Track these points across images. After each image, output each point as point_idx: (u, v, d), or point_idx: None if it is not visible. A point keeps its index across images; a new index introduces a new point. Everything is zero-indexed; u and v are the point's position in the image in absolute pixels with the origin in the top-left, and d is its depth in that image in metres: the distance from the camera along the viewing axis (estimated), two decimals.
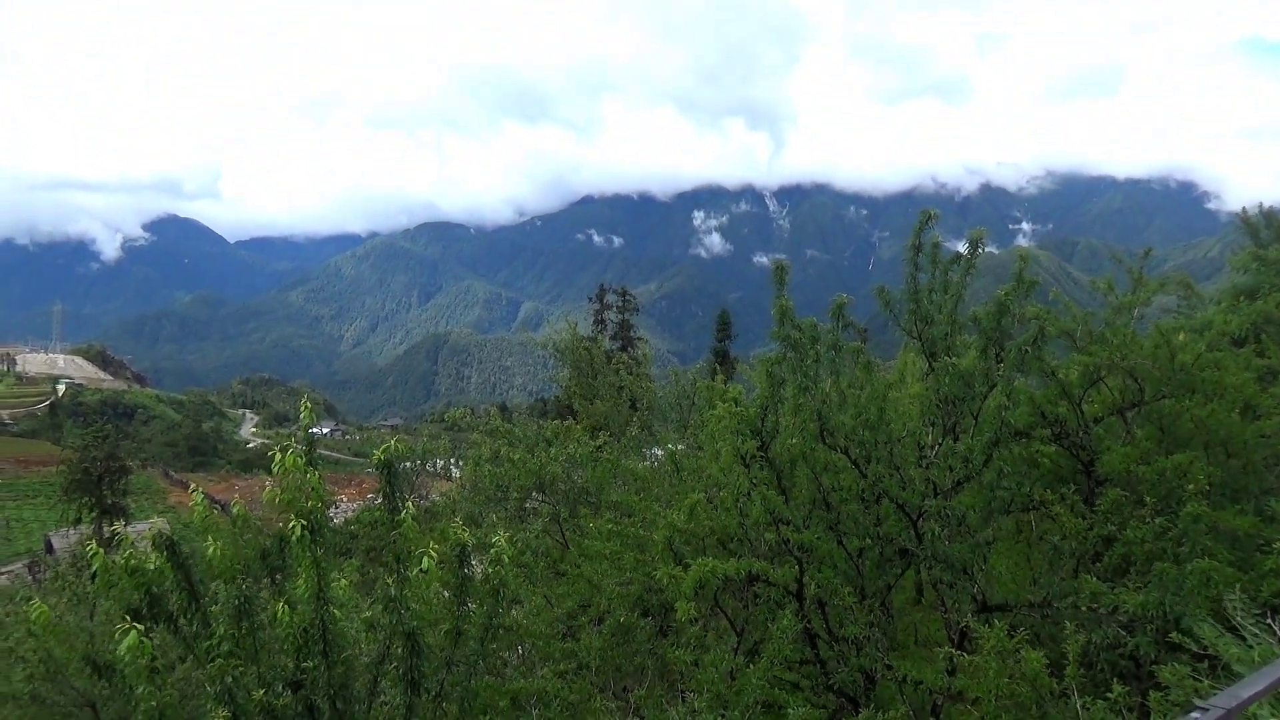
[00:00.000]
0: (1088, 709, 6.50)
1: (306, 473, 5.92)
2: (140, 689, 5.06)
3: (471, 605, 6.11)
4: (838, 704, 9.23)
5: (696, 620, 8.52)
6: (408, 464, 25.56)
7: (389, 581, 5.55)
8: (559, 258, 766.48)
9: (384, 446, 6.00)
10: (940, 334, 9.72)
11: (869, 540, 9.44)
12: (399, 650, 5.68)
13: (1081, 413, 11.48)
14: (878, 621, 9.26)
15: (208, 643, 5.55)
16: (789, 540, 8.56)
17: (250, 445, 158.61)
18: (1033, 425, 11.58)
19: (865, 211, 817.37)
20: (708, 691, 7.14)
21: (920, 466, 9.34)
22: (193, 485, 7.15)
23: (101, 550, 5.75)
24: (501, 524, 13.10)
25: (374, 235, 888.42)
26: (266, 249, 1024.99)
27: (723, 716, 6.99)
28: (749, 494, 8.90)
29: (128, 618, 5.38)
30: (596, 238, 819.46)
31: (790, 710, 6.52)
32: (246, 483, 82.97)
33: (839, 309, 9.26)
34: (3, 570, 50.34)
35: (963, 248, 9.98)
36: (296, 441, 6.45)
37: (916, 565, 10.35)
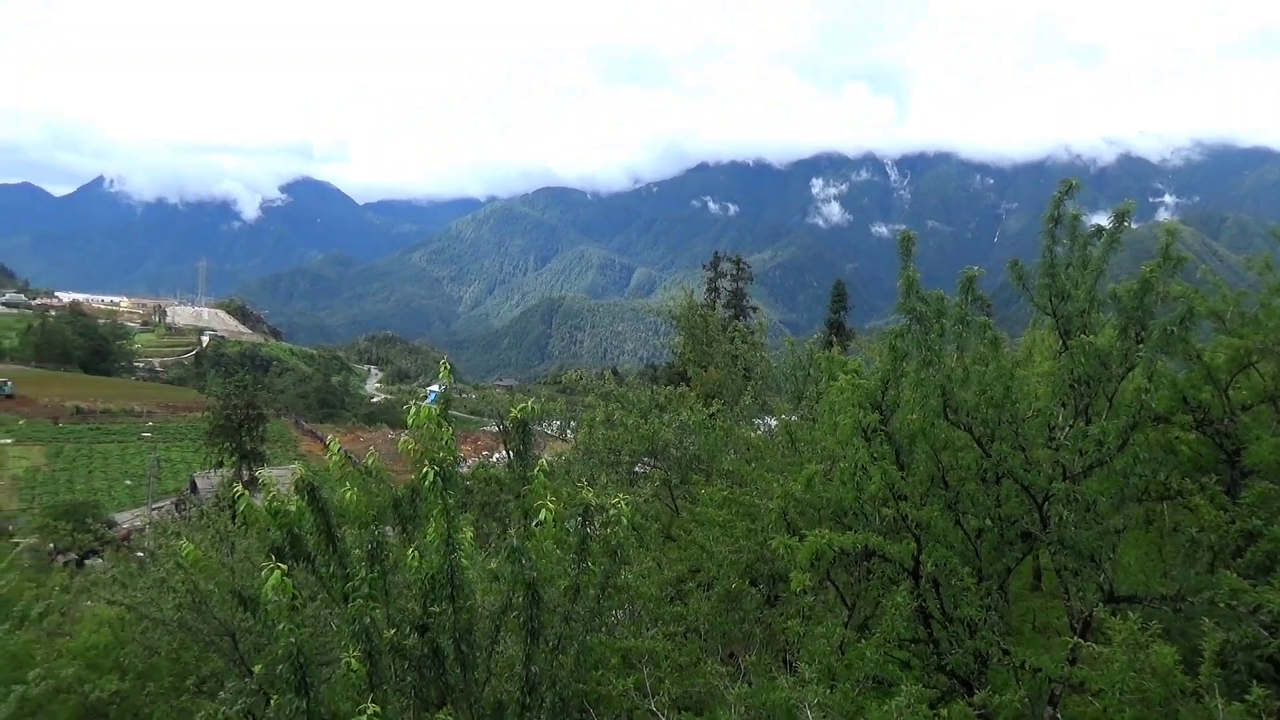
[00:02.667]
0: (1223, 710, 6.19)
1: (441, 426, 6.17)
2: (280, 625, 5.41)
3: (589, 563, 6.29)
4: (949, 685, 9.08)
5: (807, 591, 8.49)
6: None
7: (513, 533, 5.76)
8: (673, 225, 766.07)
9: (520, 406, 6.21)
10: (1076, 310, 9.28)
11: (989, 521, 9.18)
12: (520, 600, 5.90)
13: (1228, 399, 10.80)
14: (995, 604, 9.03)
15: (346, 584, 5.89)
16: (907, 516, 8.41)
17: (375, 400, 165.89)
18: (1173, 410, 10.97)
19: (992, 182, 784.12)
20: (819, 663, 7.13)
21: (1048, 448, 8.99)
22: (330, 435, 7.58)
23: (246, 492, 6.16)
24: (613, 486, 13.33)
25: (493, 200, 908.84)
26: (392, 211, 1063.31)
27: (832, 688, 6.98)
28: (864, 468, 8.78)
29: (271, 556, 5.76)
30: (712, 205, 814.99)
31: (902, 687, 6.44)
32: (370, 435, 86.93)
33: (969, 282, 8.95)
34: (154, 506, 54.49)
35: (1100, 221, 9.48)
36: (424, 397, 6.73)
37: (1038, 550, 10.02)
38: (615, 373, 19.92)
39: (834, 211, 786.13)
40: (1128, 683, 6.66)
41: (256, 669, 10.92)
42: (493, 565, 6.72)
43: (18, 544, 37.10)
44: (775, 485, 9.51)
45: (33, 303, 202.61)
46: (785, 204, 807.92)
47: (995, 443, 9.03)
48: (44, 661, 12.89)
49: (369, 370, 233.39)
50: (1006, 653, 8.56)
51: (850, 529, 8.65)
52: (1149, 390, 8.49)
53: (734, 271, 64.56)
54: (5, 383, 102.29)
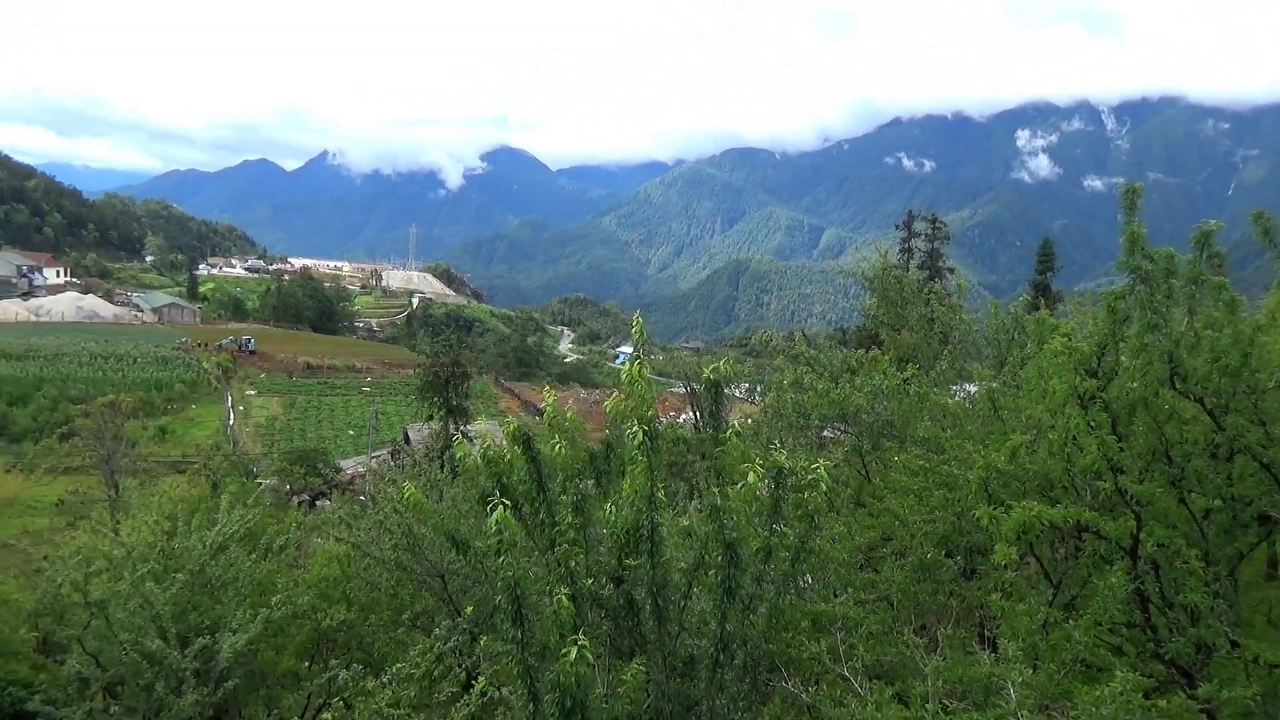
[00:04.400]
0: None
1: (649, 385, 6.33)
2: (500, 560, 5.78)
3: (783, 526, 6.30)
4: (1166, 675, 8.45)
5: (1008, 566, 8.11)
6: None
7: (715, 492, 5.86)
8: (864, 183, 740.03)
9: (712, 368, 6.28)
10: None
11: (1218, 501, 8.41)
12: (717, 558, 6.03)
13: None
14: (1222, 592, 8.29)
15: (553, 530, 6.23)
16: (1126, 491, 7.83)
17: (567, 360, 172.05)
18: None
19: (1227, 127, 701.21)
20: (1024, 641, 6.82)
21: None
22: (546, 389, 7.98)
23: (464, 440, 6.60)
24: (801, 450, 13.21)
25: (680, 163, 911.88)
26: (583, 176, 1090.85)
27: (1035, 668, 6.67)
28: (1074, 439, 8.24)
29: (496, 496, 6.13)
30: (906, 161, 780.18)
31: (1117, 673, 6.06)
32: (563, 394, 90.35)
33: (1204, 237, 8.14)
34: (373, 454, 59.35)
35: None
36: (615, 357, 6.93)
37: (1277, 535, 9.10)
38: (804, 335, 19.63)
39: (1041, 165, 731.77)
40: None
41: (468, 610, 11.78)
42: (685, 523, 6.87)
43: (261, 484, 41.56)
44: (976, 455, 9.11)
45: (270, 268, 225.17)
46: (986, 158, 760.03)
47: (1229, 415, 8.23)
48: (284, 589, 14.36)
49: (562, 331, 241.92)
50: (1235, 645, 7.86)
51: (1058, 503, 8.18)
52: None
53: (929, 231, 61.77)
54: (249, 339, 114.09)
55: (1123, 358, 8.66)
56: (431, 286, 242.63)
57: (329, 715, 8.74)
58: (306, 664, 14.87)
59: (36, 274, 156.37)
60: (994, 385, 13.14)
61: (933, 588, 9.67)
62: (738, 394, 29.05)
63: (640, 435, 5.92)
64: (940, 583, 9.64)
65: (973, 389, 15.81)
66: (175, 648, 12.02)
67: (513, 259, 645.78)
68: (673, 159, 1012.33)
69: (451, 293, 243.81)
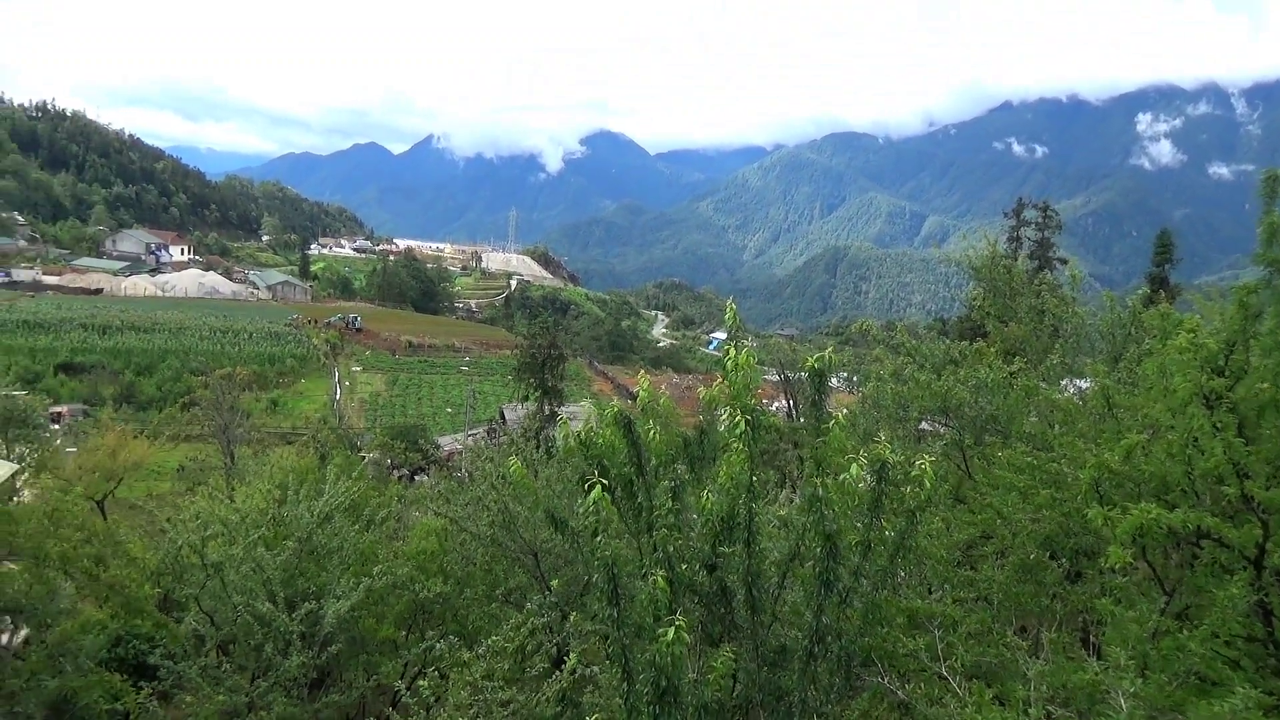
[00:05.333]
0: None
1: (753, 371, 6.27)
2: (598, 539, 5.84)
3: (883, 522, 6.17)
4: None
5: (1116, 570, 7.75)
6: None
7: (815, 482, 5.78)
8: (970, 169, 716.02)
9: (816, 356, 6.18)
10: None
11: None
12: (815, 549, 5.94)
13: None
14: None
15: (650, 514, 6.26)
16: (1251, 498, 7.39)
17: (660, 344, 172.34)
18: None
19: None
20: (1134, 649, 6.52)
21: None
22: (641, 374, 8.00)
23: (568, 421, 6.69)
24: (899, 443, 12.89)
25: (779, 147, 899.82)
26: (681, 161, 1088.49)
27: (1144, 678, 6.37)
28: (1195, 440, 7.80)
29: (594, 477, 6.19)
30: (1016, 147, 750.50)
31: (1236, 688, 5.73)
32: (656, 378, 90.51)
33: None
34: (470, 432, 60.84)
35: None
36: (707, 343, 6.87)
37: None
38: (905, 326, 19.12)
39: (1162, 151, 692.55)
40: None
41: (554, 583, 11.98)
42: (782, 512, 6.80)
43: (364, 458, 43.09)
44: (1088, 454, 8.72)
45: (376, 249, 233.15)
46: (1102, 143, 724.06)
47: None
48: (384, 560, 14.85)
49: (656, 315, 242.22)
50: None
51: (1175, 506, 7.77)
52: None
53: (1040, 219, 59.32)
54: (356, 317, 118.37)
55: (1253, 357, 8.15)
56: (529, 269, 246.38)
57: (425, 683, 9.01)
58: (404, 633, 15.36)
59: (163, 251, 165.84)
60: (1108, 382, 12.55)
61: (1034, 589, 9.33)
62: (833, 382, 28.56)
63: (742, 424, 5.86)
64: (1043, 584, 9.29)
65: (1084, 385, 15.16)
66: (283, 611, 12.59)
67: (609, 242, 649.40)
68: (771, 144, 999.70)
69: (548, 275, 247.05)
